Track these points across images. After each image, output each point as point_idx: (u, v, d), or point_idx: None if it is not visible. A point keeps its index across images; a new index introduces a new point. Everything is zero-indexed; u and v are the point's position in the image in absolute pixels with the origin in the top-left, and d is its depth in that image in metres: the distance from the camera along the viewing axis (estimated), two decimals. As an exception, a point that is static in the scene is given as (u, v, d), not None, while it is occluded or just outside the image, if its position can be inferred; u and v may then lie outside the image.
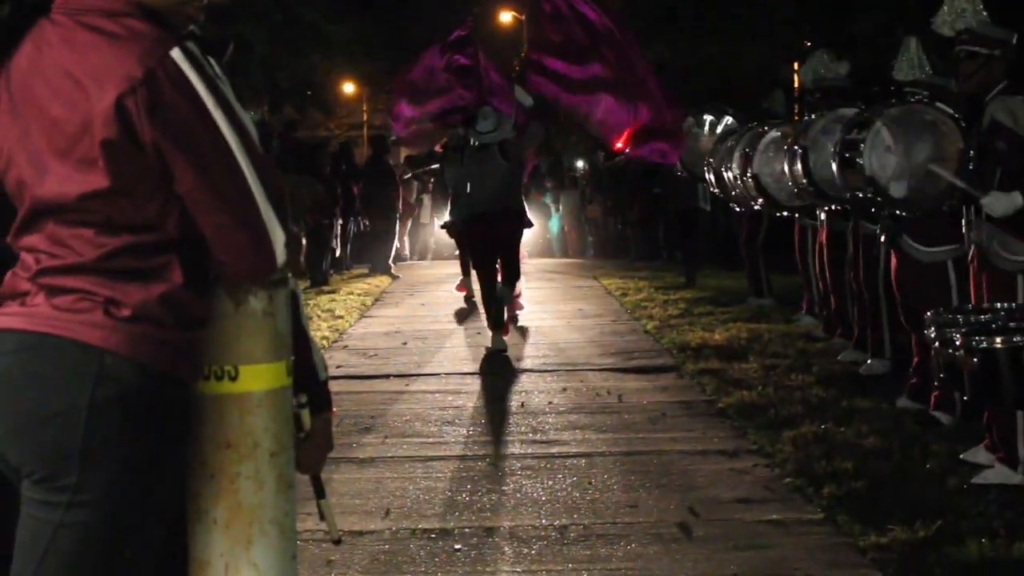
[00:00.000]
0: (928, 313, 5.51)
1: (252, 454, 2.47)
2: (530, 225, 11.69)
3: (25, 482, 2.37)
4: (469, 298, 14.37)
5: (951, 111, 6.50)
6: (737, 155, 10.58)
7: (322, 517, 3.06)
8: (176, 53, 2.33)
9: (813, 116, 8.94)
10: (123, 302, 2.34)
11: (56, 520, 2.32)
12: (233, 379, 2.47)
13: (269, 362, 2.50)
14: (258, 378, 2.48)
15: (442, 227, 13.60)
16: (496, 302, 10.87)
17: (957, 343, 4.99)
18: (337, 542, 3.39)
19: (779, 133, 9.86)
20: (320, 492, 3.06)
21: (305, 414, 2.91)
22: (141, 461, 2.35)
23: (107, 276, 2.35)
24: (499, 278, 11.14)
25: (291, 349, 2.57)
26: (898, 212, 6.97)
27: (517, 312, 12.60)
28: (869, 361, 9.13)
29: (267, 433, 2.48)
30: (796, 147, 8.49)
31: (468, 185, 10.94)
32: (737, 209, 12.69)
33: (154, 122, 2.30)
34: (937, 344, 5.15)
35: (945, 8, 6.56)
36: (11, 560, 2.43)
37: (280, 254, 2.44)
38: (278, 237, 2.43)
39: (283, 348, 2.54)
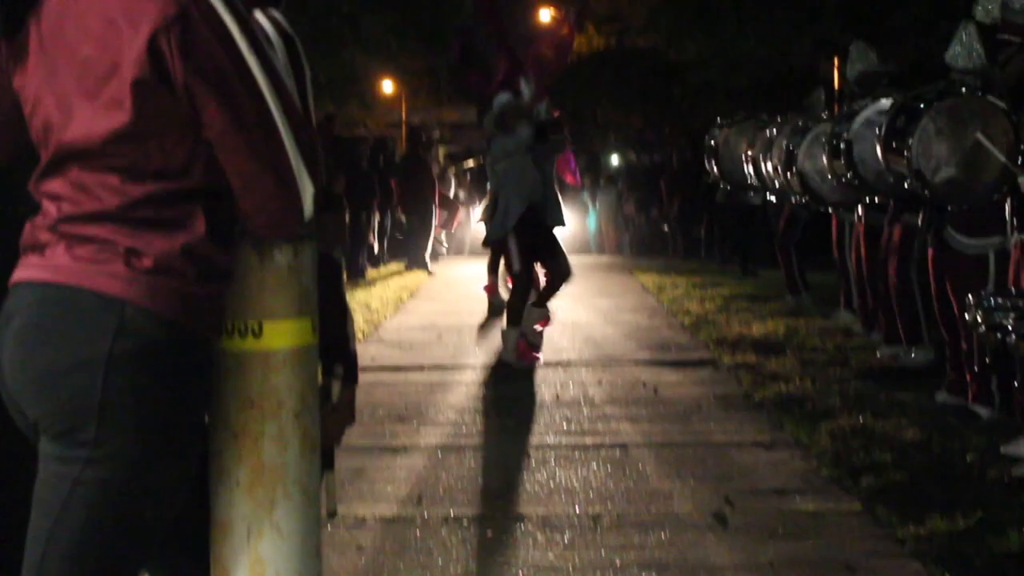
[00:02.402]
0: (970, 296, 5.41)
1: (276, 413, 2.41)
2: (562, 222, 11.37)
3: (43, 438, 2.33)
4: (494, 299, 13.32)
5: (1001, 104, 6.40)
6: (777, 149, 10.49)
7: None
8: None
9: (855, 107, 8.83)
10: (145, 252, 2.29)
11: (74, 476, 2.28)
12: (257, 335, 2.41)
13: (294, 318, 2.44)
14: (283, 335, 2.42)
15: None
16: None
17: (1009, 328, 4.89)
18: (332, 515, 3.33)
19: (824, 128, 9.75)
20: (328, 463, 3.01)
21: (336, 385, 2.86)
22: (161, 417, 2.30)
23: (129, 225, 2.30)
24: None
25: (317, 306, 2.51)
26: (945, 204, 6.87)
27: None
28: (913, 354, 9.01)
29: (291, 392, 2.42)
30: (839, 139, 8.39)
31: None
32: (772, 199, 12.58)
33: (186, 62, 2.25)
34: (984, 328, 5.05)
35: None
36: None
37: (308, 207, 2.38)
38: (307, 189, 2.37)
39: (309, 305, 2.47)
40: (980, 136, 6.37)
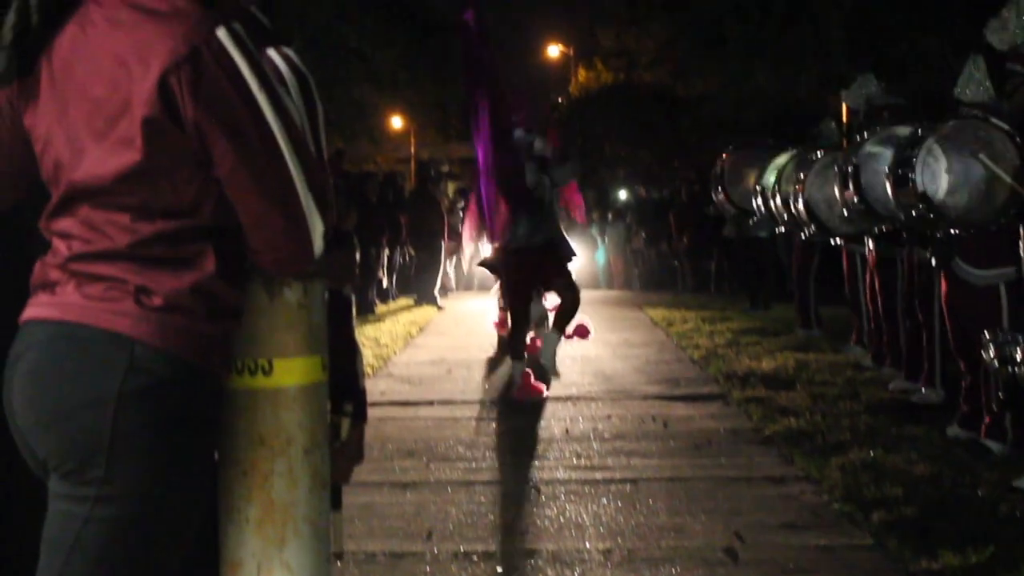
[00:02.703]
0: (986, 332, 5.40)
1: (286, 451, 2.40)
2: (572, 254, 10.90)
3: (53, 476, 2.32)
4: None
5: (1005, 127, 6.40)
6: (787, 179, 10.51)
7: None
8: (222, 32, 2.29)
9: (864, 135, 8.84)
10: (154, 291, 2.29)
11: (83, 515, 2.27)
12: (267, 373, 2.41)
13: (304, 356, 2.43)
14: (292, 372, 2.42)
15: (480, 264, 12.73)
16: (521, 335, 10.42)
17: (1019, 360, 4.90)
18: (338, 556, 3.30)
19: (832, 156, 9.76)
20: (336, 503, 2.99)
21: (345, 422, 2.85)
22: (170, 455, 2.29)
23: (139, 263, 2.30)
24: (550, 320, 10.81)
25: (327, 344, 2.51)
26: (952, 230, 6.86)
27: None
28: (923, 390, 9.02)
29: (301, 429, 2.42)
30: (847, 166, 8.40)
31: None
32: (781, 230, 12.59)
33: (196, 100, 2.25)
34: (996, 364, 5.05)
35: (994, 21, 6.48)
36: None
37: (318, 245, 2.39)
38: (317, 227, 2.37)
39: (318, 342, 2.47)
40: (983, 158, 6.38)
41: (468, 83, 11.73)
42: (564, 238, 10.62)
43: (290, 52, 2.67)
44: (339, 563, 4.92)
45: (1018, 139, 6.32)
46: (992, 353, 5.13)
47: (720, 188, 13.32)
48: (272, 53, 2.63)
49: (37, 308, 2.37)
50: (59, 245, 2.39)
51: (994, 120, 6.54)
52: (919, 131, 7.03)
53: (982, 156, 6.33)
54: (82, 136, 2.34)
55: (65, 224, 2.38)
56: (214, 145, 2.29)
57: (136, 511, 2.28)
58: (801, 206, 9.90)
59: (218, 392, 2.39)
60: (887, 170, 7.18)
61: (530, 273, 10.34)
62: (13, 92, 2.46)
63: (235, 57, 2.29)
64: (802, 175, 9.97)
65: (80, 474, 2.27)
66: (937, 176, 6.60)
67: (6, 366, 2.40)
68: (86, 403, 2.26)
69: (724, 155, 13.36)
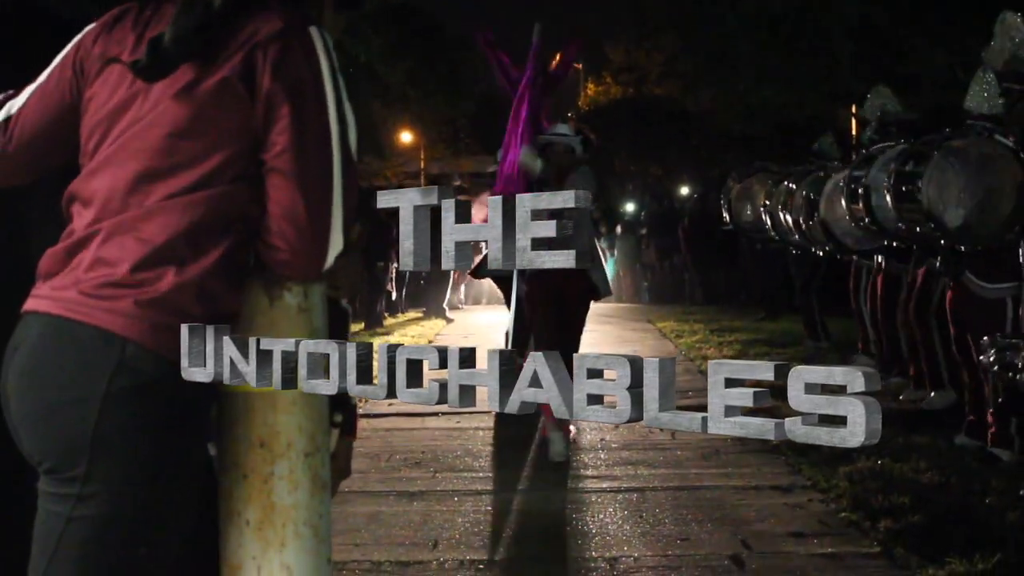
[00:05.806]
0: (985, 338, 5.41)
1: (286, 454, 2.40)
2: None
3: (41, 473, 2.32)
4: None
5: (1010, 143, 6.42)
6: (798, 199, 10.52)
7: None
8: (314, 31, 2.38)
9: (873, 151, 8.86)
10: (151, 288, 2.27)
11: (66, 513, 2.26)
12: (266, 376, 2.41)
13: (304, 359, 2.43)
14: (292, 376, 2.42)
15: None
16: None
17: (1020, 366, 4.91)
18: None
19: (843, 175, 9.77)
20: None
21: (334, 434, 2.85)
22: (154, 456, 2.27)
23: (145, 247, 2.29)
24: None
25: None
26: (957, 245, 6.88)
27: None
28: (932, 395, 9.03)
29: (301, 432, 2.42)
30: (855, 185, 8.41)
31: None
32: (794, 252, 12.64)
33: (275, 74, 2.32)
34: (996, 368, 5.06)
35: (994, 42, 6.50)
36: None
37: (330, 259, 2.40)
38: (335, 241, 2.38)
39: (319, 345, 2.47)
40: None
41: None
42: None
43: None
44: (345, 571, 4.95)
45: (1022, 155, 6.33)
46: (993, 358, 5.14)
47: (729, 211, 13.40)
48: None
49: (36, 300, 2.36)
50: (76, 219, 2.39)
51: (998, 137, 6.55)
52: (921, 148, 7.05)
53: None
54: (156, 94, 2.36)
55: (93, 188, 2.37)
56: (276, 121, 2.33)
57: (117, 510, 2.27)
58: (814, 223, 9.92)
59: (209, 394, 2.34)
60: (889, 191, 7.20)
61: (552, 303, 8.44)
62: (90, 69, 2.47)
63: (320, 54, 2.37)
64: (813, 195, 9.98)
65: (62, 472, 2.27)
66: (943, 191, 6.62)
67: (5, 356, 2.40)
68: (72, 400, 2.25)
69: (732, 180, 13.44)
